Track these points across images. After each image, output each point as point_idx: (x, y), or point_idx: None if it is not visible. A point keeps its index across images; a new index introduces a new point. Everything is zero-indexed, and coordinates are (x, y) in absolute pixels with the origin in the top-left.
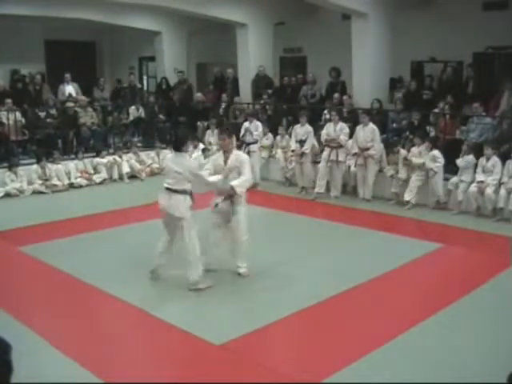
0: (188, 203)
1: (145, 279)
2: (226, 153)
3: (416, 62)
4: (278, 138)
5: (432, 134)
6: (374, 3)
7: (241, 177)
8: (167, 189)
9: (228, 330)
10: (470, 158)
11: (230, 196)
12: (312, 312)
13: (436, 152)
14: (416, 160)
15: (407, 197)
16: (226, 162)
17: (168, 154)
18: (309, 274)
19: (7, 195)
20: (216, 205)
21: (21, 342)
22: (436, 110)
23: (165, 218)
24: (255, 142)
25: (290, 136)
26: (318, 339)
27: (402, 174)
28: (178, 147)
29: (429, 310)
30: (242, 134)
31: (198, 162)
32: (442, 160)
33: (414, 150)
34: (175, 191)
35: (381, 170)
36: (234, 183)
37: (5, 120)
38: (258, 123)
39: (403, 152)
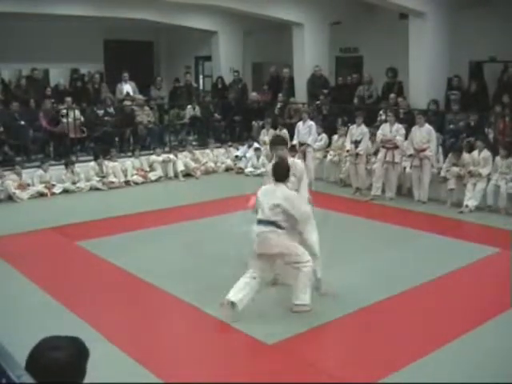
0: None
1: (198, 277)
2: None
3: (475, 62)
4: (336, 137)
5: (490, 135)
6: (433, 2)
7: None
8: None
9: (280, 329)
10: None
11: None
12: (363, 314)
13: None
14: (482, 171)
15: (468, 202)
16: None
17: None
18: (361, 275)
19: (65, 191)
20: None
21: (78, 335)
22: (497, 110)
23: None
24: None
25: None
26: (368, 341)
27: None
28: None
29: (483, 314)
30: (295, 134)
31: (251, 161)
32: None
33: (475, 155)
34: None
35: (439, 173)
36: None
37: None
38: (312, 123)
39: (467, 157)
